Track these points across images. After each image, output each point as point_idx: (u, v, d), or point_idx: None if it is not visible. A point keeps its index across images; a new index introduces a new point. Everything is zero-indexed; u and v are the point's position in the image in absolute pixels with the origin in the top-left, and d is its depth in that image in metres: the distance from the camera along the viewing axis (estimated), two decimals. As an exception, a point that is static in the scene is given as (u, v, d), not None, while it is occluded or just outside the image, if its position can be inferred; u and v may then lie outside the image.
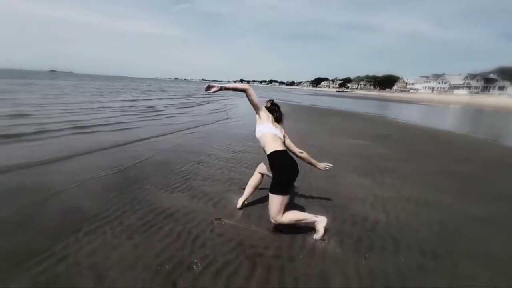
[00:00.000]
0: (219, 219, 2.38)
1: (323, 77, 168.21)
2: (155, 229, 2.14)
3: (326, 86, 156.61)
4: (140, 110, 10.30)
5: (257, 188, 2.62)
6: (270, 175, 2.26)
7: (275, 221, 2.13)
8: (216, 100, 17.89)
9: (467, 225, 2.63)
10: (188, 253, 1.88)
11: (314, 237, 2.17)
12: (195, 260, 1.81)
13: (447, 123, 14.54)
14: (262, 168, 2.55)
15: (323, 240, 2.16)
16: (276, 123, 2.38)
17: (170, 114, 9.93)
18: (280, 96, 34.52)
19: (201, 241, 2.04)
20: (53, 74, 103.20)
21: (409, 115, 17.70)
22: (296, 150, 2.47)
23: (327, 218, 2.26)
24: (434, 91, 77.88)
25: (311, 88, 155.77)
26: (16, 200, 2.51)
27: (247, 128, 7.41)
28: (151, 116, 8.99)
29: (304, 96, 38.32)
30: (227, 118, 9.64)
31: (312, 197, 3.01)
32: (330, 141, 6.53)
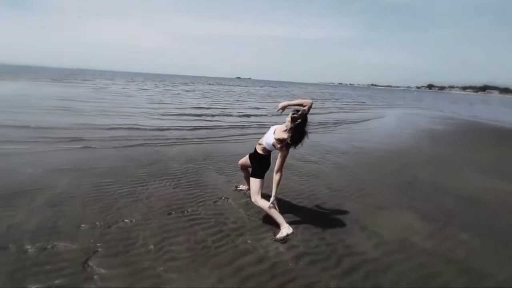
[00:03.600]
0: (227, 198, 3.48)
1: None
2: (189, 189, 3.67)
3: None
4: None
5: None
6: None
7: (254, 199, 2.84)
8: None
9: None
10: (189, 206, 3.20)
11: (274, 237, 2.72)
12: (188, 209, 3.09)
13: None
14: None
15: (280, 241, 2.66)
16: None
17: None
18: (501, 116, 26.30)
19: (203, 203, 3.29)
20: (239, 80, 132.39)
21: None
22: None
23: (306, 234, 2.78)
24: None
25: None
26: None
27: (348, 143, 7.42)
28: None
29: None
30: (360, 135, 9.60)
31: (327, 214, 3.30)
32: (447, 174, 5.22)
